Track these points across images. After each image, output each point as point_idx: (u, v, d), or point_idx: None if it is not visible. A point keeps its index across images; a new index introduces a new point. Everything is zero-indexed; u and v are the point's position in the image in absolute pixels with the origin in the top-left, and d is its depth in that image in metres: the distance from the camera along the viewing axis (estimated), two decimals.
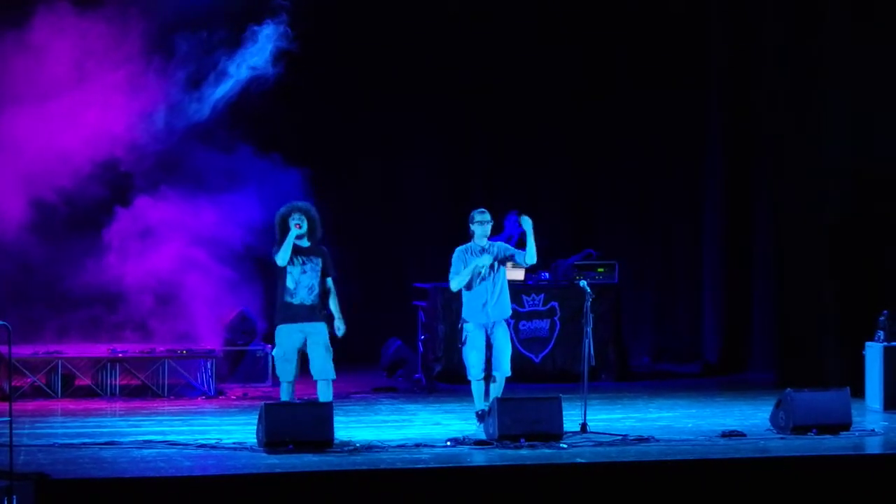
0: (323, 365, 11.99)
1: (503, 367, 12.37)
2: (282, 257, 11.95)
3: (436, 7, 18.17)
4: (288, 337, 12.01)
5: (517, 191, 18.67)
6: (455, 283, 12.43)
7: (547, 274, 16.87)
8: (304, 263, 12.05)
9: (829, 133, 15.49)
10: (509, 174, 18.97)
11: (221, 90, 15.52)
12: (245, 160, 16.04)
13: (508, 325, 12.67)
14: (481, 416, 12.09)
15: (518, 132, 18.91)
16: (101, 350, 15.37)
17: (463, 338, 12.46)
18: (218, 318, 16.17)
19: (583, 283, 12.63)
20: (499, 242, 12.75)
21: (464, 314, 12.49)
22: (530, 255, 12.38)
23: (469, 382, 12.55)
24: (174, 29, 15.44)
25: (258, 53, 15.25)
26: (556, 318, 16.58)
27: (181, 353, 15.40)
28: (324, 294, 12.11)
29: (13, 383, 14.17)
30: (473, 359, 12.32)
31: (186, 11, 15.34)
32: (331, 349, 12.06)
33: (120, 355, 15.18)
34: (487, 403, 12.02)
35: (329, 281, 12.14)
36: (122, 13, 15.40)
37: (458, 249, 12.51)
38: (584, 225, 19.24)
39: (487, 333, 12.36)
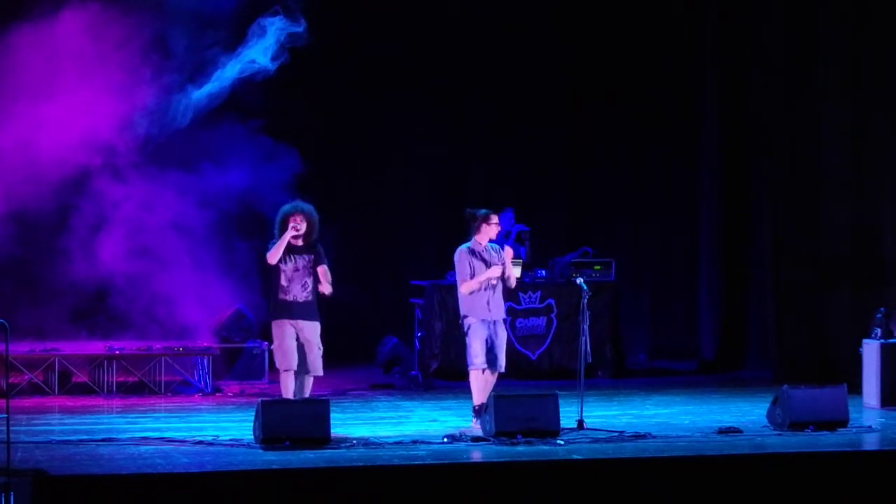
0: (314, 362, 12.29)
1: (500, 363, 12.44)
2: (274, 256, 12.27)
3: (434, 7, 18.16)
4: (283, 330, 12.29)
5: (514, 188, 18.64)
6: (466, 289, 12.41)
7: (544, 271, 16.87)
8: (296, 261, 12.33)
9: (827, 131, 15.49)
10: (506, 171, 18.94)
11: (211, 87, 15.48)
12: (239, 156, 16.02)
13: (506, 322, 12.71)
14: (478, 411, 12.15)
15: (514, 129, 18.88)
16: (97, 347, 15.36)
17: (466, 329, 12.45)
18: (212, 313, 16.16)
19: (579, 280, 12.64)
20: (497, 246, 12.70)
21: (465, 311, 12.48)
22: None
23: (465, 380, 12.59)
24: (173, 29, 15.41)
25: (263, 47, 15.18)
26: (552, 316, 16.58)
27: (178, 350, 15.40)
28: (317, 289, 12.34)
29: (10, 380, 14.16)
30: (477, 347, 12.32)
31: (188, 11, 15.32)
32: (321, 347, 12.37)
33: (117, 352, 15.17)
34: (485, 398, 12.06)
35: (321, 267, 12.36)
36: (117, 13, 15.38)
37: (462, 250, 12.48)
38: (580, 222, 19.22)
39: (493, 329, 12.40)
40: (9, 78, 15.34)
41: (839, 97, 15.39)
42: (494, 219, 12.47)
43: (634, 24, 18.68)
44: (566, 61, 18.97)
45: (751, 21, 17.06)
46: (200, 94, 15.50)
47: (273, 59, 15.30)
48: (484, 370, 12.35)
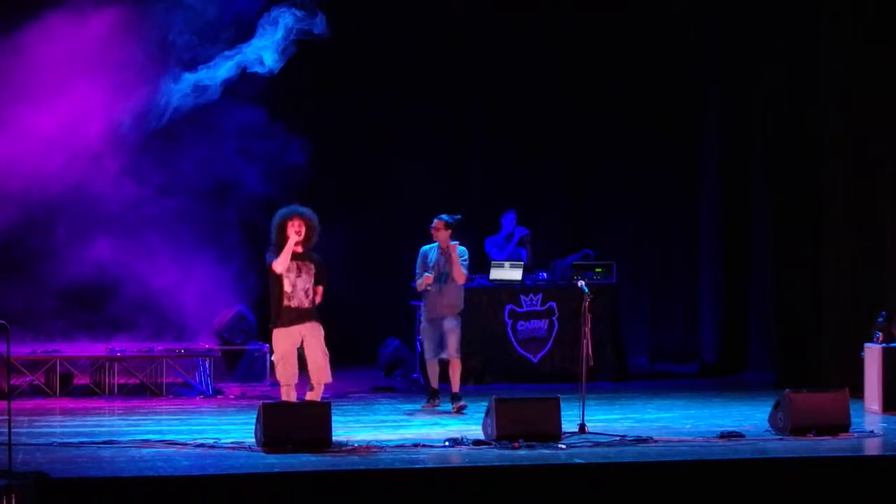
0: (319, 369, 12.25)
1: (448, 351, 13.90)
2: (281, 264, 12.20)
3: (435, 6, 18.15)
4: (287, 339, 12.26)
5: (514, 191, 18.64)
6: (417, 284, 14.15)
7: (545, 274, 16.87)
8: (299, 268, 12.31)
9: (829, 134, 15.49)
10: (507, 174, 18.95)
11: (213, 81, 15.44)
12: (239, 153, 16.02)
13: (460, 318, 14.01)
14: (434, 394, 14.07)
15: (515, 131, 18.89)
16: (99, 349, 15.35)
17: (420, 324, 14.45)
18: (213, 314, 16.16)
19: (581, 283, 12.67)
20: (460, 247, 13.88)
21: (422, 305, 14.22)
22: (457, 274, 13.99)
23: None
24: (180, 24, 15.40)
25: (272, 40, 15.08)
26: (554, 318, 16.57)
27: (179, 352, 15.39)
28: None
29: (11, 382, 14.15)
30: (427, 343, 14.12)
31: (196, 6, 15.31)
32: (327, 353, 12.32)
33: (118, 354, 15.16)
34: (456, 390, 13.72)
35: (318, 287, 12.43)
36: (124, 11, 15.39)
37: (421, 250, 14.11)
38: (581, 225, 19.23)
39: (440, 324, 13.91)
40: (9, 75, 15.35)
41: (840, 97, 15.38)
42: (436, 223, 14.03)
43: (636, 24, 18.65)
44: (568, 61, 18.95)
45: (754, 20, 17.05)
46: (202, 85, 15.45)
47: (281, 53, 15.19)
48: (437, 361, 14.05)
